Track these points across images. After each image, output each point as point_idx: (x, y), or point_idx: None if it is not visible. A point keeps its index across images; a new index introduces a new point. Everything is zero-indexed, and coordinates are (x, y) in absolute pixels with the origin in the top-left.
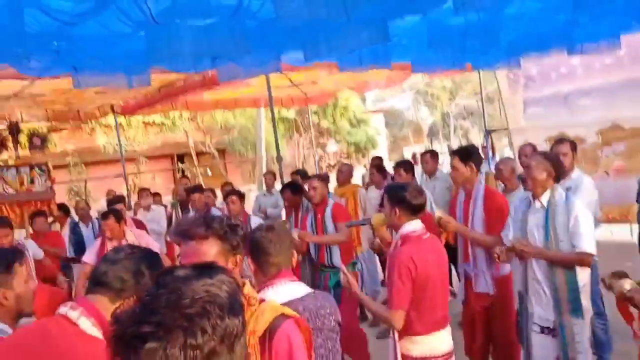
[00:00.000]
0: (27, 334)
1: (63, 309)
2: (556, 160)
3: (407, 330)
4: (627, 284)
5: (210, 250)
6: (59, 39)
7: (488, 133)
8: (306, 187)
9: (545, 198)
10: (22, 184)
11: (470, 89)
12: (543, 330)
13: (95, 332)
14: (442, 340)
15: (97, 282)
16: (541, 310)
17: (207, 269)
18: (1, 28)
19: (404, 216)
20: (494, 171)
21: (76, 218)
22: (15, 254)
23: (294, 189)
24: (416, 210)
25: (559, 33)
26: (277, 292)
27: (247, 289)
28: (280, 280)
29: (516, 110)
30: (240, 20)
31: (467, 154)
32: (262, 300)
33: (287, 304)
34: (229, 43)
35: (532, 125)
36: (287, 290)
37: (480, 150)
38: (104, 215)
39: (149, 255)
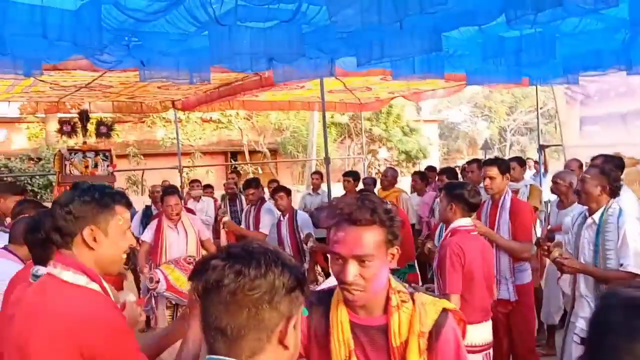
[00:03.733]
0: (28, 295)
1: (48, 269)
2: (612, 174)
3: None
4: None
5: (374, 238)
6: (131, 34)
7: (541, 148)
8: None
9: (598, 214)
10: (86, 167)
11: (529, 104)
12: (583, 341)
13: (78, 277)
14: (485, 331)
15: (52, 243)
16: (584, 323)
17: None
18: (81, 23)
19: (459, 212)
20: (540, 186)
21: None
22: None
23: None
24: (471, 208)
25: (617, 53)
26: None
27: (394, 283)
28: None
29: (572, 128)
30: (297, 25)
31: (506, 167)
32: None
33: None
34: (285, 46)
35: (586, 143)
36: None
37: (532, 166)
38: (168, 191)
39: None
